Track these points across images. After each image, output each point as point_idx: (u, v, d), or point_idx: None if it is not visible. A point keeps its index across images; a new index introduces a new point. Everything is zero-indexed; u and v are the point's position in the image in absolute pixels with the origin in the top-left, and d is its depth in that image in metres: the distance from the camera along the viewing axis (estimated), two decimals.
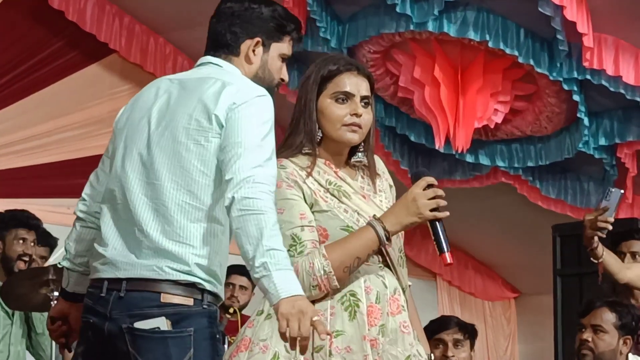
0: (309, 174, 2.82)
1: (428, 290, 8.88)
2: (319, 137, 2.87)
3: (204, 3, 6.76)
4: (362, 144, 2.91)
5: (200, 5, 6.81)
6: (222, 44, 2.95)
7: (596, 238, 4.51)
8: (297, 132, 2.87)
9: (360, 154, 2.94)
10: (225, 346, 5.32)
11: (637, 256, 5.26)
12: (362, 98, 2.86)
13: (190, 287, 2.72)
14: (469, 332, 5.14)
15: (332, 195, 2.82)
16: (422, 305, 8.11)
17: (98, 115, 7.15)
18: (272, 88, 2.91)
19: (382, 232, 2.73)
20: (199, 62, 2.98)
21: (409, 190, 2.76)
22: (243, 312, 6.15)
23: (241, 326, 5.41)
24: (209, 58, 2.95)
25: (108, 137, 8.14)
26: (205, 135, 2.72)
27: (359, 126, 2.84)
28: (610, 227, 4.53)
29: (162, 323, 2.69)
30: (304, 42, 6.47)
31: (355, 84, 2.86)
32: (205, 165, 2.73)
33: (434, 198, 2.74)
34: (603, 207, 4.48)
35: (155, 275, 2.72)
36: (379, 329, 2.77)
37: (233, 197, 2.60)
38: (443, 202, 2.74)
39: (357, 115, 2.83)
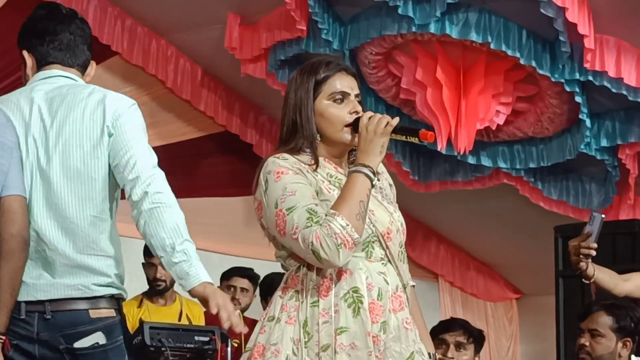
0: (314, 170, 2.87)
1: (430, 292, 8.87)
2: (318, 140, 2.91)
3: (206, 5, 6.77)
4: None
5: (202, 8, 6.81)
6: (79, 60, 3.13)
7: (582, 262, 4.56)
8: (295, 137, 2.91)
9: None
10: (228, 349, 5.34)
11: None
12: (355, 96, 2.94)
13: (111, 298, 2.88)
14: (474, 336, 5.12)
15: (335, 187, 2.86)
16: (424, 307, 8.09)
17: None
18: None
19: (365, 170, 2.80)
20: (49, 74, 3.09)
21: (360, 130, 2.87)
22: (245, 314, 6.14)
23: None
24: (59, 72, 3.08)
25: None
26: (100, 147, 2.88)
27: None
28: (594, 253, 4.56)
29: (99, 337, 2.83)
30: (307, 44, 6.49)
31: (347, 83, 2.94)
32: (100, 175, 2.88)
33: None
34: (587, 233, 4.50)
35: (81, 294, 2.83)
36: (380, 325, 2.79)
37: (145, 192, 2.80)
38: (387, 116, 2.85)
39: (357, 112, 2.89)
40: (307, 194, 2.79)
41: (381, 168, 3.02)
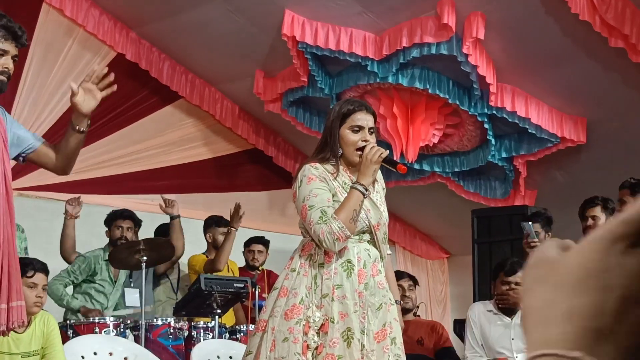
0: (334, 178, 2.82)
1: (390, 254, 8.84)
2: (340, 154, 2.86)
3: (241, 65, 6.75)
4: None
5: (239, 66, 6.79)
6: None
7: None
8: (325, 151, 2.86)
9: None
10: (256, 292, 5.32)
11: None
12: (369, 129, 2.86)
13: None
14: (414, 279, 5.25)
15: (345, 192, 2.82)
16: None
17: (171, 139, 7.15)
18: None
19: (360, 187, 2.74)
20: None
21: (362, 156, 2.79)
22: (260, 268, 6.11)
23: (266, 278, 5.40)
24: None
25: (179, 153, 8.07)
26: None
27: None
28: (539, 243, 4.57)
29: None
30: (307, 90, 6.47)
31: (364, 119, 2.84)
32: None
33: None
34: (526, 234, 4.67)
35: None
36: (364, 285, 2.78)
37: None
38: (381, 149, 2.78)
39: (366, 140, 2.82)
40: (324, 197, 2.75)
41: (379, 176, 2.96)
